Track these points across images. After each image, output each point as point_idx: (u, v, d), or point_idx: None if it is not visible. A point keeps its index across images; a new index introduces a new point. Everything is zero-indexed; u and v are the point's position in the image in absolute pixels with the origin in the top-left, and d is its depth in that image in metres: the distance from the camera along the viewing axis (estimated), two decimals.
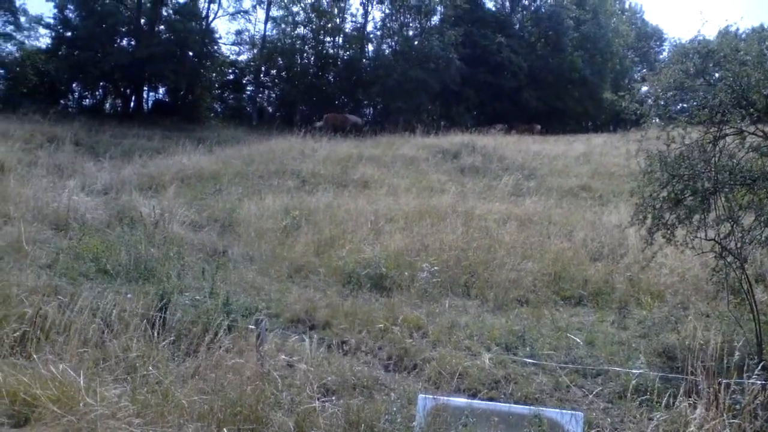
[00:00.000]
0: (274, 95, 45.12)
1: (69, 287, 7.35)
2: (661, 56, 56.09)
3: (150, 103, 40.12)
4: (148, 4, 36.94)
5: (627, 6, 58.83)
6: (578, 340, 6.90)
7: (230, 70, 43.36)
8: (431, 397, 5.00)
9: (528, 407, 4.99)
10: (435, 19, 41.80)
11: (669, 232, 6.61)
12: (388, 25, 42.68)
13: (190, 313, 6.82)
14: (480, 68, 40.11)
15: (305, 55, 43.30)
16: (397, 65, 37.41)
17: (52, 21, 35.84)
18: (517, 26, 45.95)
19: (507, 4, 46.38)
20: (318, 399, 5.05)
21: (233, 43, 43.96)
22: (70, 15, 35.67)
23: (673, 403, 4.98)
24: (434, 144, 22.09)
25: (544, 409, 4.95)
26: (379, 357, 6.50)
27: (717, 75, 6.95)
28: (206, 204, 13.36)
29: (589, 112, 46.04)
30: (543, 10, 45.29)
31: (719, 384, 4.76)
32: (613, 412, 5.48)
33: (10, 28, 34.92)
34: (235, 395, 4.83)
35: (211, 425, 4.64)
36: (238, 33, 44.02)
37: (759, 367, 5.00)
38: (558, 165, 19.64)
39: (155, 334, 5.86)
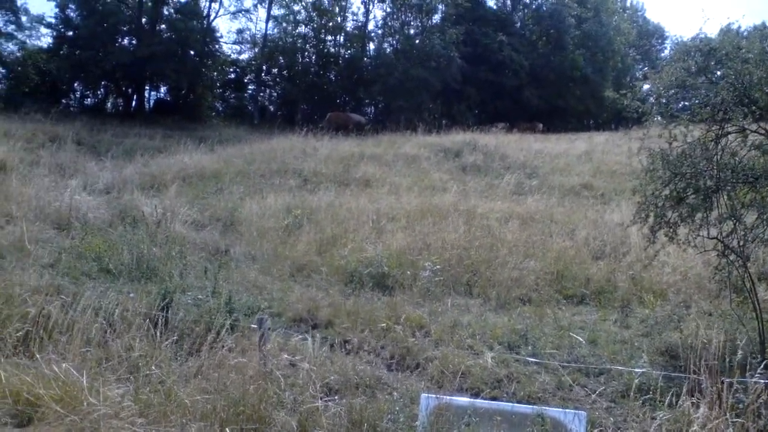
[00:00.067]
0: (275, 94, 45.15)
1: (71, 287, 7.37)
2: (662, 54, 56.02)
3: (151, 102, 40.19)
4: (150, 4, 36.93)
5: (628, 4, 58.74)
6: (581, 339, 6.90)
7: (231, 69, 43.34)
8: (434, 396, 4.99)
9: (531, 406, 4.99)
10: (436, 18, 41.79)
11: (671, 230, 6.60)
12: (390, 23, 42.67)
13: (193, 312, 6.83)
14: (481, 67, 40.07)
15: (306, 53, 43.28)
16: (399, 64, 37.36)
17: (53, 20, 35.90)
18: (519, 24, 45.91)
19: (508, 2, 46.33)
20: (321, 398, 5.06)
21: (234, 42, 44.00)
22: (72, 14, 35.69)
23: (676, 402, 4.97)
24: (436, 143, 22.09)
25: (547, 408, 4.94)
26: (382, 356, 6.50)
27: (719, 73, 6.94)
28: (208, 203, 13.37)
29: (590, 111, 45.99)
30: (544, 9, 45.22)
31: (722, 383, 4.76)
32: (616, 411, 5.48)
33: (11, 28, 34.92)
34: (237, 395, 4.83)
35: (214, 425, 4.64)
36: (240, 32, 44.13)
37: (762, 366, 4.98)
38: (560, 163, 19.63)
39: (158, 334, 5.86)
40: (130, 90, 38.36)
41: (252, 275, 8.95)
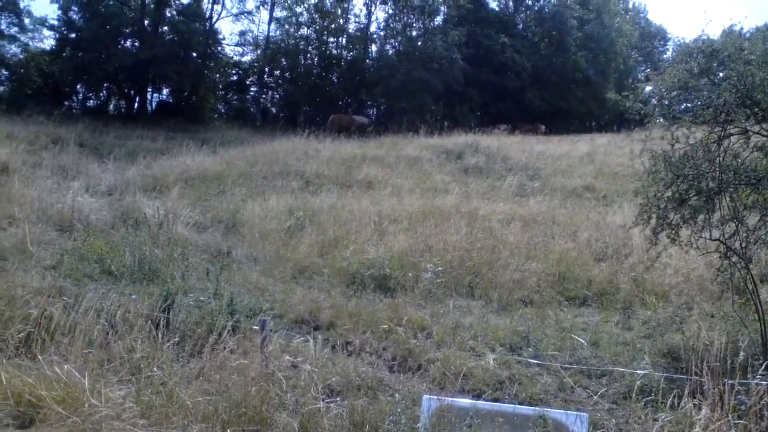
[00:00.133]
0: (277, 96, 45.23)
1: (74, 288, 7.38)
2: (664, 56, 56.16)
3: (154, 104, 40.29)
4: (152, 6, 37.04)
5: (630, 5, 58.80)
6: (583, 341, 6.89)
7: (234, 71, 43.47)
8: (436, 397, 4.98)
9: (533, 408, 4.99)
10: (438, 20, 41.91)
11: (673, 232, 6.60)
12: (392, 25, 42.75)
13: (195, 314, 6.83)
14: (483, 68, 40.10)
15: (309, 55, 43.37)
16: (401, 65, 37.40)
17: (56, 22, 36.11)
18: (521, 26, 45.94)
19: (510, 4, 46.38)
20: (322, 400, 5.05)
21: (237, 44, 44.20)
22: (74, 16, 35.85)
23: (678, 403, 4.95)
24: (438, 144, 22.08)
25: (548, 409, 4.93)
26: (384, 358, 6.50)
27: (721, 74, 6.93)
28: (210, 205, 13.38)
29: (592, 112, 46.00)
30: (546, 10, 45.27)
31: (724, 384, 4.74)
32: (618, 412, 5.47)
33: (14, 30, 35.09)
34: (239, 396, 4.83)
35: (216, 426, 4.64)
36: (242, 34, 44.29)
37: (764, 368, 4.98)
38: (562, 165, 19.62)
39: (160, 335, 5.86)
40: (132, 92, 38.47)
41: (254, 277, 8.95)
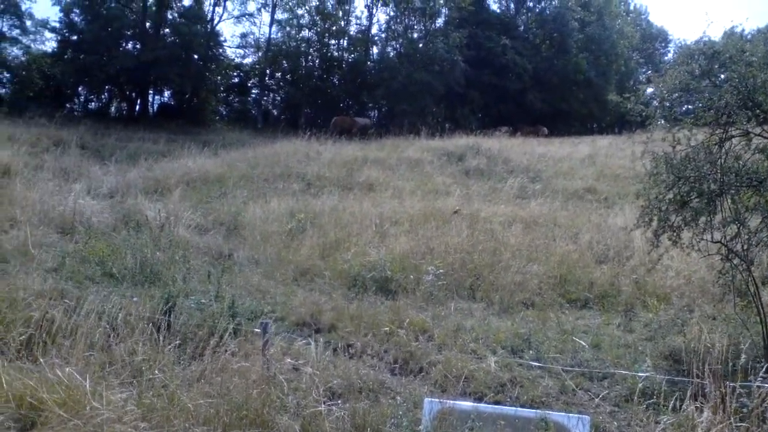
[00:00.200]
0: (279, 98, 45.27)
1: (75, 291, 7.38)
2: (666, 57, 56.02)
3: (155, 106, 40.37)
4: (154, 8, 37.10)
5: (632, 7, 58.77)
6: (584, 343, 6.88)
7: (235, 73, 43.51)
8: (437, 400, 4.98)
9: (534, 411, 4.98)
10: (439, 22, 41.95)
11: (675, 234, 6.59)
12: (393, 27, 42.77)
13: (196, 316, 6.82)
14: (485, 70, 40.12)
15: (310, 57, 43.41)
16: (402, 68, 37.43)
17: (57, 25, 36.18)
18: (522, 28, 45.94)
19: (512, 6, 46.40)
20: (324, 402, 5.05)
21: (238, 46, 44.21)
22: (76, 19, 35.90)
23: (680, 406, 4.95)
24: (439, 146, 22.09)
25: (550, 412, 4.93)
26: (385, 360, 6.48)
27: (723, 76, 6.92)
28: (211, 207, 13.39)
29: (594, 114, 45.99)
30: (548, 12, 45.29)
31: (726, 387, 4.74)
32: (620, 415, 5.46)
33: (16, 32, 35.22)
34: (240, 399, 4.83)
35: (217, 429, 4.64)
36: (243, 36, 44.27)
37: (765, 370, 4.97)
38: (563, 167, 19.61)
39: (161, 338, 5.86)
40: (134, 94, 38.53)
41: (255, 279, 8.95)
